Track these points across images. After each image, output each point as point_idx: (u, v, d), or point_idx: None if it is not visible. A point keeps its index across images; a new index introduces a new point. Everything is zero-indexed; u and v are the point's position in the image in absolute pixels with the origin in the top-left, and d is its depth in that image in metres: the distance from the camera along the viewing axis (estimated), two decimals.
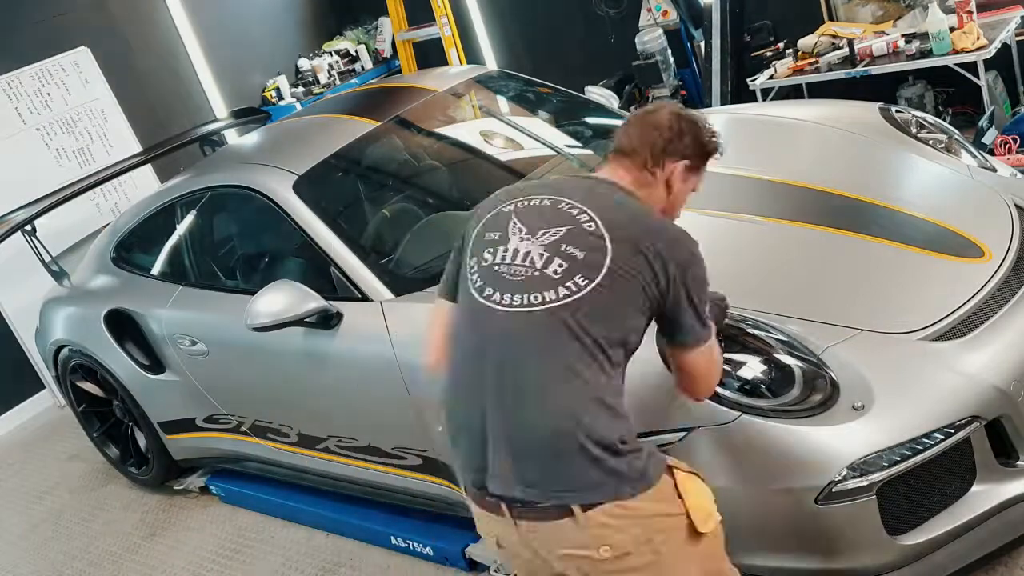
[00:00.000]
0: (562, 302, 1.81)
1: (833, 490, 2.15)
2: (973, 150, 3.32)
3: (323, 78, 7.77)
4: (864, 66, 5.07)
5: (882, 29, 5.37)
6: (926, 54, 4.90)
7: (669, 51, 6.31)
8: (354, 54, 8.11)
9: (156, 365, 3.95)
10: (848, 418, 2.20)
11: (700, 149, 2.02)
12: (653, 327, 1.93)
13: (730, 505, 2.26)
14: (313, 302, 2.95)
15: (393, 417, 2.96)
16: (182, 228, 3.88)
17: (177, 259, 3.91)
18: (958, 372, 2.28)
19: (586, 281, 1.82)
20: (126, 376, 4.07)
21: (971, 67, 4.83)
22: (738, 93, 5.70)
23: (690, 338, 1.90)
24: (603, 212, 1.89)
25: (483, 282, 1.92)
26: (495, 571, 3.05)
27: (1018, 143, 4.54)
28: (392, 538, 3.40)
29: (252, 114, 5.88)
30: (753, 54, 5.97)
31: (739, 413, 2.21)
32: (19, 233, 4.64)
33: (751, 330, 2.36)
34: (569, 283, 1.82)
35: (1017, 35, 5.15)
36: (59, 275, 4.65)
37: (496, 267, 1.91)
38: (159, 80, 6.93)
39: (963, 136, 3.49)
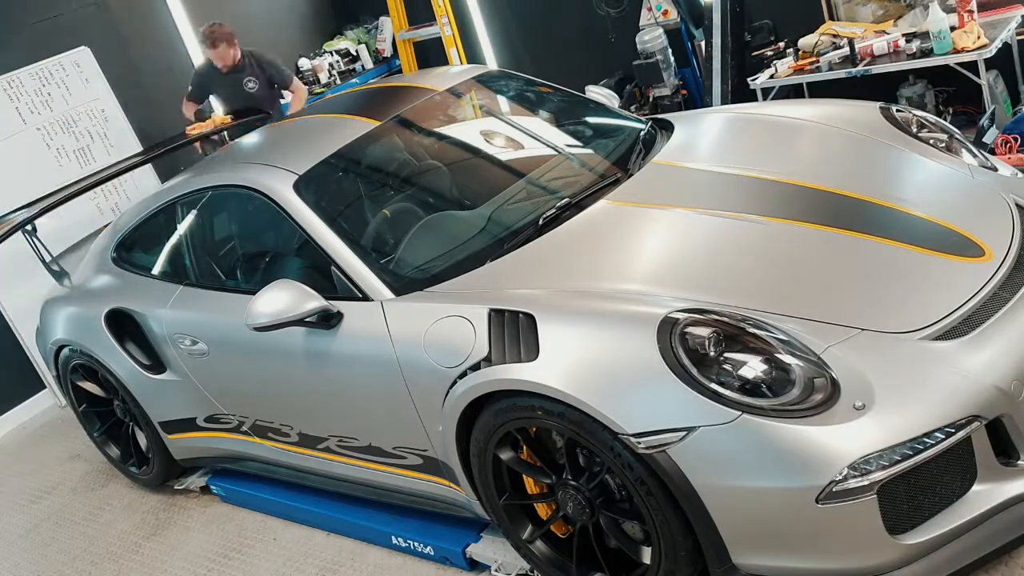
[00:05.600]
0: None
1: (834, 489, 2.15)
2: (974, 149, 3.31)
3: (323, 78, 7.78)
4: (865, 65, 5.07)
5: (883, 28, 5.37)
6: (927, 53, 4.90)
7: (670, 50, 6.31)
8: (355, 54, 8.11)
9: (157, 365, 3.96)
10: (849, 417, 2.19)
11: None
12: None
13: (730, 505, 2.27)
14: (313, 302, 2.95)
15: (394, 417, 2.96)
16: (183, 228, 3.88)
17: (178, 259, 3.91)
18: (959, 372, 2.28)
19: None
20: (127, 376, 4.07)
21: (972, 66, 4.83)
22: (739, 92, 5.70)
23: None
24: None
25: None
26: (496, 571, 3.05)
27: (1019, 142, 4.53)
28: (393, 538, 3.40)
29: (252, 114, 5.89)
30: (754, 53, 5.97)
31: (740, 412, 2.21)
32: (19, 233, 4.65)
33: (752, 329, 2.36)
34: None
35: (1018, 34, 5.15)
36: (59, 275, 4.66)
37: None
38: (159, 80, 6.93)
39: (964, 135, 3.49)
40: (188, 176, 3.94)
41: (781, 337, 2.35)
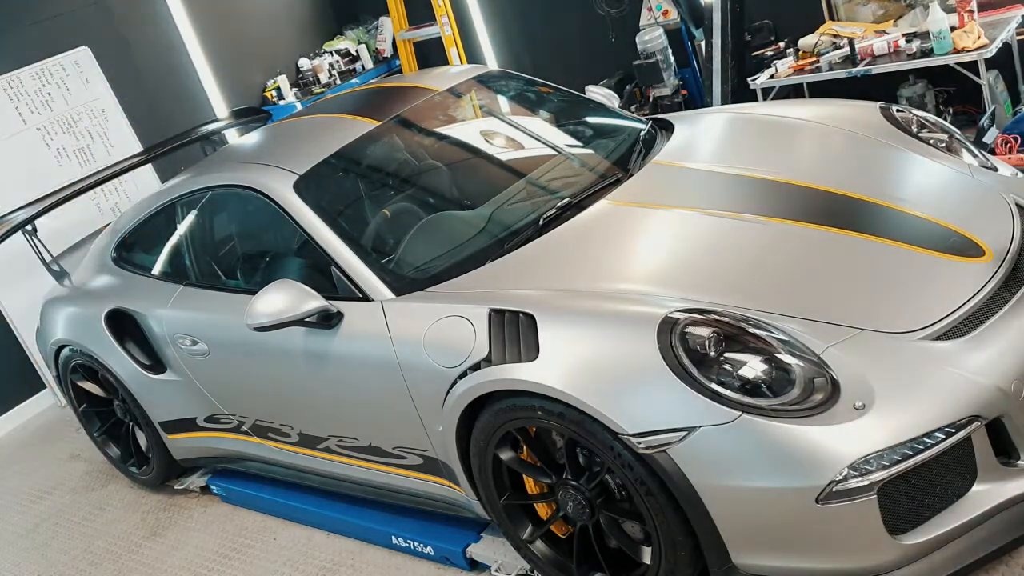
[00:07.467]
0: None
1: (834, 489, 2.15)
2: (974, 149, 3.31)
3: (323, 78, 7.78)
4: (865, 65, 5.07)
5: (883, 28, 5.37)
6: (927, 53, 4.90)
7: (670, 50, 6.31)
8: (355, 54, 8.11)
9: (157, 365, 3.96)
10: (849, 417, 2.20)
11: None
12: None
13: (731, 505, 2.27)
14: (313, 302, 2.96)
15: (394, 417, 2.96)
16: (183, 228, 3.88)
17: (178, 259, 3.91)
18: (959, 372, 2.28)
19: None
20: (127, 376, 4.08)
21: (972, 66, 4.83)
22: (739, 92, 5.70)
23: None
24: None
25: None
26: (496, 571, 3.05)
27: (1019, 142, 4.53)
28: (393, 538, 3.40)
29: (252, 114, 5.89)
30: (754, 53, 5.97)
31: (740, 412, 2.21)
32: (19, 233, 4.65)
33: (752, 329, 2.36)
34: None
35: (1018, 34, 5.15)
36: (60, 275, 4.66)
37: None
38: (159, 80, 6.94)
39: (964, 135, 3.48)
40: (188, 176, 3.94)
41: (781, 337, 2.35)
